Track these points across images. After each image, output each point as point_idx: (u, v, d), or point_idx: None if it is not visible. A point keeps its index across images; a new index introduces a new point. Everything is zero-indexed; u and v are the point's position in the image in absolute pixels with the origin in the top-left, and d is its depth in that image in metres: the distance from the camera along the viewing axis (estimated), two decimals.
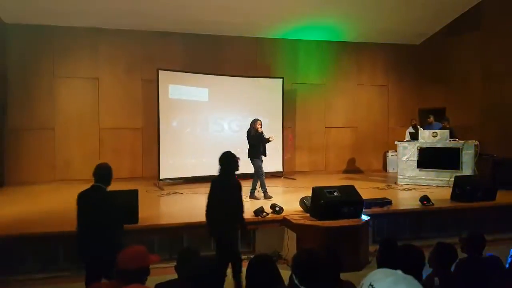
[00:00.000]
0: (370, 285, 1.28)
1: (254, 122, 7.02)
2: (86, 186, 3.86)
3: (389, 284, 1.22)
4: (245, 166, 8.16)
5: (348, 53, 11.13)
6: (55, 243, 4.90)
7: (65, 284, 4.54)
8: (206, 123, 9.21)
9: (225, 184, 4.06)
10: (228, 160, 4.08)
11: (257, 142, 6.96)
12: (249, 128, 7.11)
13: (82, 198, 3.69)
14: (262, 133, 6.98)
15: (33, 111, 9.02)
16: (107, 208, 3.59)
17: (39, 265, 4.81)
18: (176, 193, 7.64)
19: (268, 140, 7.08)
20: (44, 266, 4.81)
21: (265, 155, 7.10)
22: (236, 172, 4.20)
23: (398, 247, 2.63)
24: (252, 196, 6.94)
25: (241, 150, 9.22)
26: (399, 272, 1.28)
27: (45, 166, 9.06)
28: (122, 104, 9.53)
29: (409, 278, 1.25)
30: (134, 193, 5.23)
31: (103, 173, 3.85)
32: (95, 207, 3.56)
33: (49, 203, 6.76)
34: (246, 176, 9.20)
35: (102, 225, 3.45)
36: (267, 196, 6.93)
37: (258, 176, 6.97)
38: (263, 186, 7.00)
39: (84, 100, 9.35)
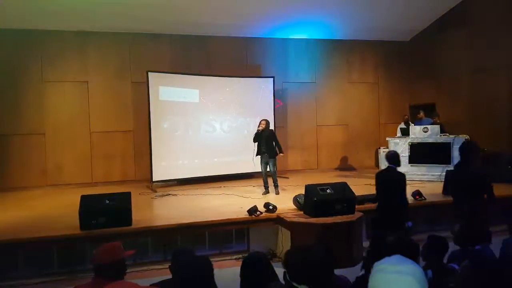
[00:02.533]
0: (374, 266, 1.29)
1: (260, 121, 7.46)
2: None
3: (395, 269, 1.21)
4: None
5: (338, 51, 11.18)
6: (49, 248, 4.86)
7: None
8: (197, 124, 9.19)
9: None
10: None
11: (255, 140, 7.35)
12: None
13: (380, 177, 4.94)
14: (261, 131, 7.29)
15: (22, 116, 8.92)
16: (397, 185, 4.72)
17: (33, 270, 4.77)
18: (169, 194, 7.62)
19: (279, 146, 7.46)
20: (38, 271, 4.77)
21: (270, 154, 7.30)
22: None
23: (392, 240, 2.65)
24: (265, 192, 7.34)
25: (232, 150, 9.35)
26: (409, 263, 1.25)
27: (36, 171, 8.97)
28: (112, 107, 9.47)
29: (417, 270, 1.24)
30: (126, 196, 5.22)
31: (392, 157, 4.86)
32: (389, 184, 4.77)
33: (42, 208, 6.70)
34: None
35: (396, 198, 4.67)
36: (264, 192, 7.28)
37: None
38: (264, 183, 7.38)
39: (74, 104, 9.28)
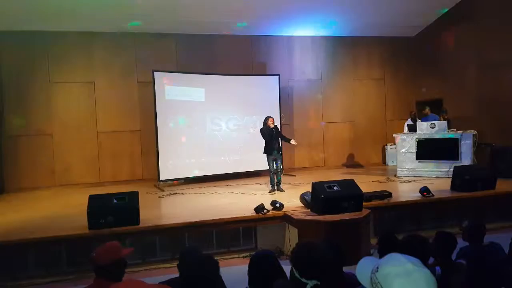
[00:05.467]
0: (377, 267, 1.26)
1: (266, 119, 7.33)
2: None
3: (401, 272, 1.19)
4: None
5: (344, 47, 11.13)
6: (58, 248, 4.90)
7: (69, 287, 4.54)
8: (203, 123, 9.21)
9: None
10: None
11: (268, 138, 7.22)
12: (263, 125, 7.41)
13: None
14: (273, 128, 7.24)
15: (30, 117, 9.01)
16: None
17: (42, 270, 4.82)
18: (176, 193, 7.64)
19: (286, 139, 7.46)
20: (47, 271, 4.81)
21: (279, 151, 7.36)
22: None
23: (404, 237, 2.63)
24: (278, 188, 7.33)
25: (238, 148, 9.36)
26: (415, 262, 1.23)
27: (44, 172, 9.06)
28: (119, 107, 9.52)
29: (425, 270, 1.21)
30: (134, 195, 5.25)
31: None
32: None
33: (50, 208, 6.76)
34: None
35: None
36: (271, 190, 7.26)
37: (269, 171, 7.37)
38: (271, 181, 7.32)
39: (81, 105, 9.34)
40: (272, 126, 7.21)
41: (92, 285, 2.30)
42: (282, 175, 7.60)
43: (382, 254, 2.73)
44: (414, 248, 2.32)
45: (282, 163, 7.40)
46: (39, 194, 8.26)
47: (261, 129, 7.38)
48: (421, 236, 2.49)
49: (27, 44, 8.95)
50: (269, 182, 7.41)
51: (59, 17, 8.41)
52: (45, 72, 9.09)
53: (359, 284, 1.42)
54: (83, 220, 4.92)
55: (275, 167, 7.28)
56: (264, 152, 7.30)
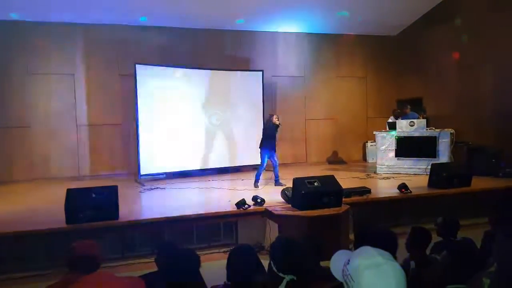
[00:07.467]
0: (348, 260, 1.30)
1: (271, 116, 7.50)
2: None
3: (370, 265, 1.22)
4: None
5: (327, 45, 11.20)
6: (35, 242, 4.81)
7: (46, 282, 4.46)
8: (186, 118, 9.13)
9: None
10: None
11: (273, 134, 7.39)
12: (266, 121, 7.59)
13: None
14: (279, 125, 7.46)
15: (7, 109, 8.78)
16: None
17: (19, 264, 4.72)
18: (157, 188, 7.59)
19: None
20: (24, 265, 4.72)
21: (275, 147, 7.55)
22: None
23: (371, 231, 2.69)
24: (277, 183, 7.34)
25: (221, 143, 9.35)
26: (385, 255, 1.26)
27: (22, 165, 8.86)
28: (99, 100, 9.36)
29: (393, 263, 1.24)
30: (113, 189, 5.18)
31: None
32: None
33: (28, 201, 6.63)
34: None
35: None
36: (256, 185, 7.29)
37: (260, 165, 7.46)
38: (257, 176, 7.37)
39: (60, 97, 9.15)
40: (278, 122, 7.39)
41: (66, 277, 2.33)
42: (266, 170, 7.63)
43: (357, 248, 2.78)
44: (382, 242, 2.37)
45: None
46: (17, 187, 8.07)
47: (267, 125, 7.50)
48: (389, 230, 2.55)
49: (5, 33, 8.69)
50: (254, 177, 7.37)
51: (39, 7, 8.21)
52: (23, 63, 8.85)
53: (335, 278, 1.45)
54: (61, 214, 4.84)
55: (272, 162, 7.40)
56: (263, 146, 7.37)
